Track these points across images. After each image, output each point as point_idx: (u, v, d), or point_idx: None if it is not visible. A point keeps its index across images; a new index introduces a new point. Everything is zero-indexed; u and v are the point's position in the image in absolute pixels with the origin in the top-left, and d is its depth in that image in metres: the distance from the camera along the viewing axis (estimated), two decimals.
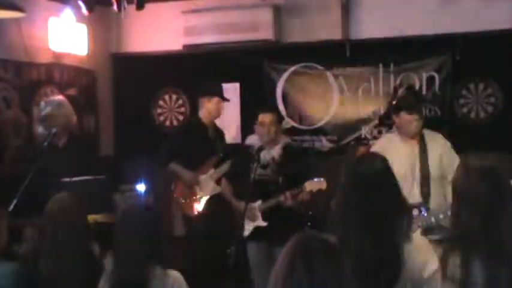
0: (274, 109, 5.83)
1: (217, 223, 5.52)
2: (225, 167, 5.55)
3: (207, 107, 5.77)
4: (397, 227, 2.45)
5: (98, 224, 4.63)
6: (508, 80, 6.24)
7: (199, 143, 5.65)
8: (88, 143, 5.70)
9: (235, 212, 5.11)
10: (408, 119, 4.51)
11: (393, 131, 4.82)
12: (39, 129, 5.28)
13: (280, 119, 5.27)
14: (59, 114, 5.11)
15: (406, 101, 4.65)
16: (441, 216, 4.15)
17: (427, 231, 4.34)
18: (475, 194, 2.47)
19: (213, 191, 5.57)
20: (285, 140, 5.22)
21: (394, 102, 4.86)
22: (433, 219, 4.22)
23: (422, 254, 2.52)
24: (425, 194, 4.42)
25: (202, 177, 5.60)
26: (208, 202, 5.58)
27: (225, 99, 5.82)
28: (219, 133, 5.92)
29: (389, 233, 2.41)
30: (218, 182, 5.58)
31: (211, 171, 5.62)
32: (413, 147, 4.54)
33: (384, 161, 2.67)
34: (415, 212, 4.37)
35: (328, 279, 1.90)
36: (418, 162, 4.50)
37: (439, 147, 4.52)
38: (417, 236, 2.60)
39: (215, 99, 5.74)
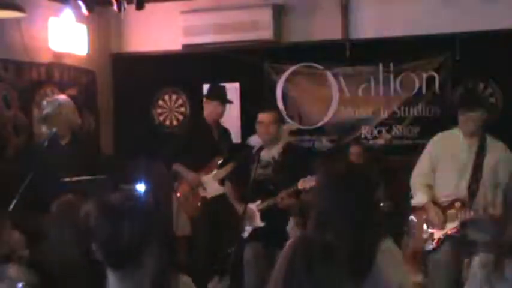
0: (274, 108, 5.83)
1: (219, 223, 5.52)
2: (228, 167, 5.55)
3: (208, 109, 5.79)
4: (372, 234, 2.43)
5: None
6: (508, 80, 6.24)
7: (203, 144, 5.66)
8: (92, 142, 5.72)
9: (236, 214, 5.12)
10: (463, 119, 4.67)
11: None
12: (42, 128, 5.30)
13: (281, 118, 5.27)
14: (59, 114, 5.11)
15: (462, 100, 4.82)
16: (480, 212, 4.29)
17: (464, 224, 4.46)
18: None
19: (216, 192, 5.57)
20: (286, 139, 5.21)
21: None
22: (472, 214, 4.47)
23: (392, 265, 2.49)
24: (473, 191, 4.57)
25: (205, 178, 5.60)
26: (211, 202, 5.58)
27: (226, 102, 5.82)
28: (225, 133, 5.91)
29: (367, 237, 2.39)
30: (222, 182, 5.58)
31: (215, 171, 5.62)
32: (473, 145, 4.68)
33: (364, 171, 2.66)
34: (458, 204, 4.51)
35: (328, 279, 1.90)
36: (472, 160, 4.65)
37: (498, 156, 4.65)
38: (390, 245, 2.57)
39: (214, 102, 5.75)
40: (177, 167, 5.66)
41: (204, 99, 5.86)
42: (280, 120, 5.27)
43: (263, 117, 5.09)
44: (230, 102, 5.88)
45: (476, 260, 2.44)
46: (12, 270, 2.98)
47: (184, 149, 5.66)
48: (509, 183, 2.60)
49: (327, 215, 2.39)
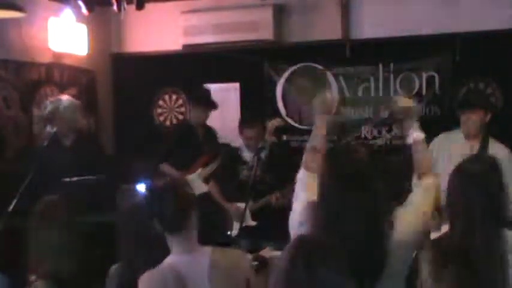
0: (258, 120, 5.77)
1: (206, 221, 5.56)
2: (212, 166, 5.58)
3: (192, 113, 5.87)
4: (382, 218, 2.41)
5: (98, 224, 4.62)
6: (508, 80, 6.24)
7: (188, 144, 5.70)
8: (96, 143, 5.73)
9: (225, 213, 5.23)
10: (463, 119, 4.69)
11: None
12: (47, 128, 5.32)
13: (264, 126, 5.37)
14: (60, 114, 5.12)
15: (463, 101, 4.81)
16: None
17: None
18: (464, 201, 2.45)
19: (201, 190, 5.60)
20: (270, 139, 5.30)
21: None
22: None
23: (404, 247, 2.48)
24: None
25: (190, 177, 5.63)
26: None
27: (211, 108, 5.82)
28: (210, 133, 5.93)
29: (375, 225, 2.37)
30: (207, 181, 5.61)
31: (200, 170, 5.64)
32: (474, 147, 4.67)
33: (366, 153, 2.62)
34: None
35: (328, 279, 1.89)
36: None
37: (499, 157, 4.56)
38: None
39: (198, 108, 5.79)
40: (164, 168, 5.70)
41: (191, 104, 5.91)
42: (264, 128, 5.36)
43: (250, 133, 5.27)
44: (214, 107, 5.88)
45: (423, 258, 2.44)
46: (39, 285, 2.98)
47: (171, 151, 5.70)
48: (453, 187, 2.58)
49: (334, 215, 2.37)
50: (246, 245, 5.03)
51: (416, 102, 2.80)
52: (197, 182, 5.61)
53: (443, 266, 2.34)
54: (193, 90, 6.11)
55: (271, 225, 4.85)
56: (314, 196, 2.53)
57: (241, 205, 5.04)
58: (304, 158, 2.83)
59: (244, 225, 5.05)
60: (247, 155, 5.34)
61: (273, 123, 5.09)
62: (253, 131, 5.25)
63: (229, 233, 5.20)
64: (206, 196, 5.53)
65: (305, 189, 2.71)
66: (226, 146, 5.96)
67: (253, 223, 5.10)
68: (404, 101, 2.83)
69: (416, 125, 2.78)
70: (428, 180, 2.67)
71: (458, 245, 2.37)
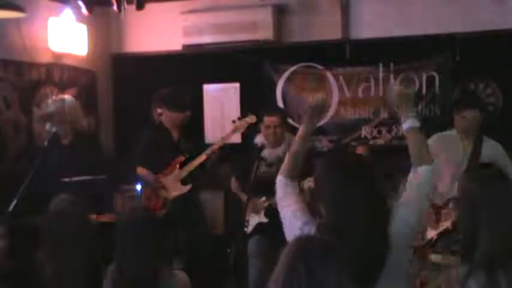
0: (280, 110, 5.86)
1: (185, 223, 5.59)
2: (190, 166, 5.58)
3: (167, 117, 5.84)
4: (382, 217, 2.41)
5: (98, 224, 4.62)
6: (508, 80, 6.24)
7: (162, 146, 5.70)
8: (94, 142, 5.72)
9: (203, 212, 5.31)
10: (457, 118, 4.72)
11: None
12: (46, 126, 5.32)
13: (285, 118, 5.38)
14: (63, 113, 5.12)
15: (458, 100, 4.81)
16: None
17: (456, 224, 4.48)
18: (491, 207, 2.45)
19: (178, 192, 5.59)
20: (290, 138, 5.31)
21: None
22: None
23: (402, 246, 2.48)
24: None
25: (166, 179, 5.61)
26: (174, 203, 5.59)
27: (184, 111, 5.81)
28: (185, 133, 5.92)
29: (375, 225, 2.36)
30: (183, 181, 5.60)
31: (176, 171, 5.63)
32: (468, 146, 4.70)
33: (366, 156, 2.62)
34: (452, 204, 4.54)
35: (328, 279, 1.89)
36: (467, 160, 4.64)
37: (493, 156, 4.62)
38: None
39: (176, 113, 5.80)
40: (140, 171, 5.69)
41: (164, 107, 5.86)
42: (285, 121, 5.39)
43: (270, 120, 5.23)
44: (189, 109, 5.87)
45: (454, 274, 2.42)
46: None
47: (145, 154, 5.69)
48: (474, 194, 2.58)
49: (334, 215, 2.37)
50: (259, 239, 5.09)
51: (412, 90, 2.75)
52: (174, 184, 5.61)
53: (495, 269, 2.33)
54: (166, 94, 6.08)
55: (281, 224, 4.89)
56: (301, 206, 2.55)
57: (258, 201, 5.15)
58: (289, 166, 2.81)
59: (258, 222, 5.12)
60: (265, 152, 5.33)
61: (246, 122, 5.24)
62: (271, 119, 5.23)
63: (245, 229, 5.24)
64: (185, 198, 5.55)
65: (295, 201, 2.69)
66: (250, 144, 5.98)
67: (265, 219, 5.13)
68: (399, 89, 2.78)
69: (412, 114, 2.73)
70: (425, 167, 2.62)
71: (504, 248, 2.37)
